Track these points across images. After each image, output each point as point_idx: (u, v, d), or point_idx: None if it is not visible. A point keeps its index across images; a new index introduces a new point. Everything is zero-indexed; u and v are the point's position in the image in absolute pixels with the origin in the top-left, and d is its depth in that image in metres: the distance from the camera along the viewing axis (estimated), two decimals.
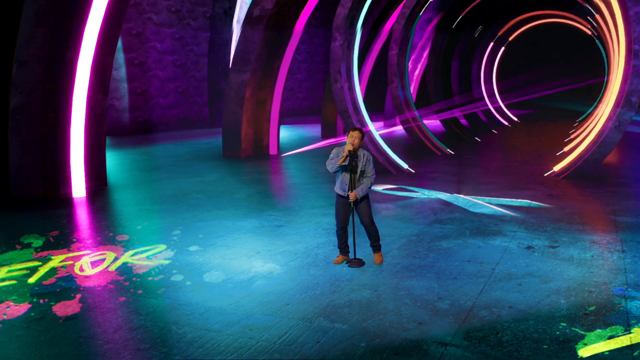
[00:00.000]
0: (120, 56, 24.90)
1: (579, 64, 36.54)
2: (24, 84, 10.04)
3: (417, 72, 25.83)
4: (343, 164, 6.49)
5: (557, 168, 12.89)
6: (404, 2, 17.19)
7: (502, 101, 30.33)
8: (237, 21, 29.34)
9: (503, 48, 30.50)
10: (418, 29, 22.16)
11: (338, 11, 13.72)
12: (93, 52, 10.68)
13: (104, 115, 11.43)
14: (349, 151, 6.43)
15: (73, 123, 10.72)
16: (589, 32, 27.84)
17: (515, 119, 30.14)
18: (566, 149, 16.66)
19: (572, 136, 20.51)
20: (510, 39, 30.57)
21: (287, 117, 33.35)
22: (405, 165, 13.83)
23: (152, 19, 26.46)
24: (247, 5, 24.63)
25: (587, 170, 12.17)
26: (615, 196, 10.47)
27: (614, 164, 14.82)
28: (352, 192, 6.54)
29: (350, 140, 6.47)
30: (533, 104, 39.60)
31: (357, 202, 6.61)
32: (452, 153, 17.13)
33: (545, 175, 12.84)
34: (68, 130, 10.71)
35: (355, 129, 6.60)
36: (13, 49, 9.80)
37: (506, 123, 27.70)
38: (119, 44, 24.63)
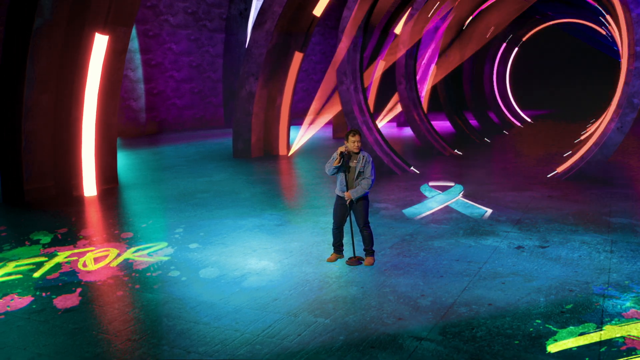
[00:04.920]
0: (137, 57, 25.39)
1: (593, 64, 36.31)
2: (38, 85, 10.44)
3: (430, 72, 25.94)
4: (338, 165, 6.72)
5: (560, 169, 12.98)
6: (412, 4, 17.35)
7: (515, 102, 30.27)
8: (252, 22, 29.71)
9: (516, 49, 30.44)
10: (431, 30, 22.27)
11: (344, 14, 13.95)
12: (103, 55, 11.05)
13: (114, 117, 11.80)
14: (342, 152, 6.67)
15: (84, 125, 11.10)
16: (603, 32, 27.70)
17: (529, 119, 30.06)
18: (573, 150, 16.69)
19: (582, 137, 20.48)
20: (524, 39, 30.50)
21: (302, 118, 33.61)
22: (410, 166, 14.00)
23: (169, 21, 26.91)
24: None
25: (589, 172, 12.24)
26: (613, 197, 10.56)
27: (618, 165, 14.83)
28: (347, 192, 6.77)
29: (345, 142, 6.74)
30: (548, 104, 39.40)
31: (353, 202, 6.82)
32: (460, 154, 17.25)
33: (548, 176, 12.93)
34: (80, 132, 11.09)
35: (349, 131, 6.84)
36: (27, 48, 10.20)
37: (519, 124, 27.67)
38: (136, 45, 25.12)
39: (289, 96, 17.24)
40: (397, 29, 19.40)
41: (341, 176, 6.83)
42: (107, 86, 11.36)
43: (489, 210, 9.66)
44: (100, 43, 10.89)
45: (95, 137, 11.28)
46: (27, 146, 10.48)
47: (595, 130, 16.93)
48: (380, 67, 21.08)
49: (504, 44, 27.51)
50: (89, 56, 10.82)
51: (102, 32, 10.89)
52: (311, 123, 21.57)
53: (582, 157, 12.53)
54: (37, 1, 9.97)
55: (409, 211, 9.73)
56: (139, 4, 11.39)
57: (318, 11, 16.46)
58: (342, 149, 6.66)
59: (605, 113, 16.26)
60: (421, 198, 10.84)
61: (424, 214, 9.51)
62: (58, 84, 10.78)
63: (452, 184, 12.23)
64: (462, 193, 11.15)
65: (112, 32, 11.08)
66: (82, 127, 11.09)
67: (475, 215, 9.36)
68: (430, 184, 12.22)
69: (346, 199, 6.80)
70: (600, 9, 18.94)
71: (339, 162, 6.67)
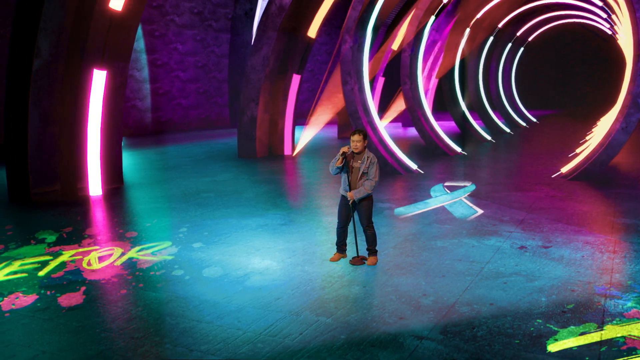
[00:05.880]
0: (143, 57, 25.48)
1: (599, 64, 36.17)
2: (43, 85, 10.51)
3: (435, 73, 25.91)
4: (340, 165, 6.74)
5: (564, 169, 12.96)
6: (417, 4, 17.34)
7: (521, 102, 30.21)
8: (257, 23, 29.74)
9: (522, 49, 30.36)
10: (436, 29, 22.24)
11: (349, 14, 13.97)
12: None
13: (119, 118, 11.87)
14: (343, 152, 6.69)
15: (90, 126, 11.17)
16: (609, 32, 27.59)
17: (534, 119, 30.00)
18: (578, 150, 16.66)
19: (587, 137, 20.43)
20: (530, 39, 30.42)
21: (306, 117, 33.63)
22: (414, 166, 14.02)
23: (175, 21, 26.98)
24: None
25: (594, 172, 12.22)
26: (618, 198, 10.54)
27: (623, 165, 14.79)
28: (350, 192, 6.80)
29: (350, 142, 6.76)
30: (554, 104, 39.27)
31: (356, 202, 6.84)
32: (465, 154, 17.25)
33: (552, 176, 12.91)
34: (85, 133, 11.17)
35: (354, 131, 6.86)
36: (33, 47, 10.28)
37: (524, 124, 27.61)
38: (142, 45, 25.22)
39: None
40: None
41: (344, 176, 6.86)
42: (112, 88, 11.44)
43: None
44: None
45: (100, 138, 11.35)
46: (32, 147, 10.56)
47: (600, 130, 16.89)
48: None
49: (510, 44, 27.45)
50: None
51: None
52: (307, 124, 21.67)
53: (586, 158, 12.50)
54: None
55: (410, 210, 9.75)
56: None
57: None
58: (344, 149, 6.68)
59: (608, 113, 16.21)
60: (425, 198, 10.85)
61: (419, 212, 9.53)
62: (63, 85, 10.87)
63: (464, 184, 12.23)
64: (465, 193, 11.16)
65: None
66: (88, 129, 11.17)
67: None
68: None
69: (349, 199, 6.82)
70: (606, 8, 18.88)
71: (341, 162, 6.70)
